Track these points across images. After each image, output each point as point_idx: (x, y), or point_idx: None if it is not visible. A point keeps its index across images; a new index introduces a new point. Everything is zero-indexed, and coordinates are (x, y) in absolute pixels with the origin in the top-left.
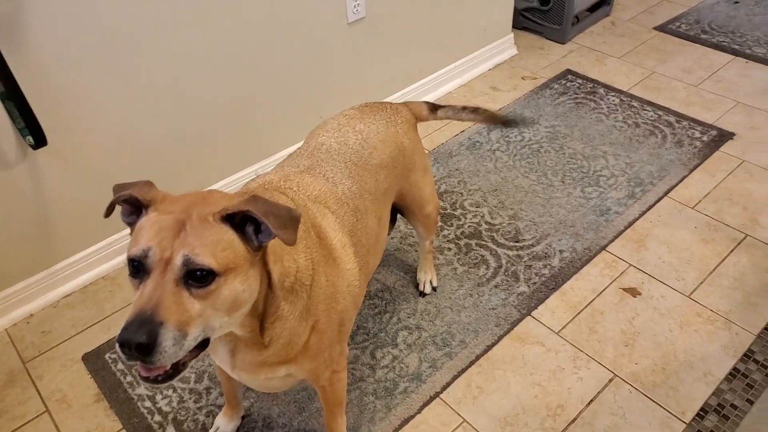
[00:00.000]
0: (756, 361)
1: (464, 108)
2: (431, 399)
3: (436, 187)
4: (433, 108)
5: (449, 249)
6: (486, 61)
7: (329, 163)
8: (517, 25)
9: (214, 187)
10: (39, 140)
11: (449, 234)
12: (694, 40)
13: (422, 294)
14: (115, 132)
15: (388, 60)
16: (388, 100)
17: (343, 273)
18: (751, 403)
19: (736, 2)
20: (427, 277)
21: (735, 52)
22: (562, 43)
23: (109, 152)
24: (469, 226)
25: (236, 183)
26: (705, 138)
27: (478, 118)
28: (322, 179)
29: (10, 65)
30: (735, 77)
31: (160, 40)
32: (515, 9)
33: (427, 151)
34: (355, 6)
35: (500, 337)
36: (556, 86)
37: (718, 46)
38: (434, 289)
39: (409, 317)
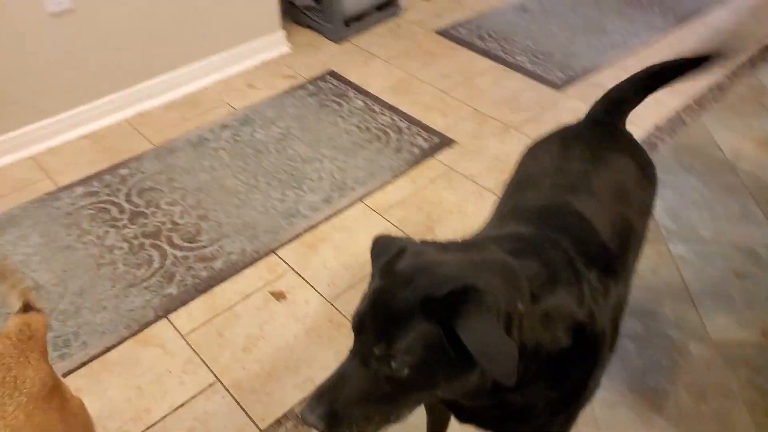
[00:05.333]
0: None
1: None
2: None
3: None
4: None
5: (120, 248)
6: (249, 58)
7: None
8: (300, 22)
9: None
10: None
11: (129, 233)
12: (467, 45)
13: None
14: None
15: (112, 52)
16: (121, 94)
17: None
18: None
19: (525, 11)
20: None
21: (497, 59)
22: (338, 42)
23: None
24: (153, 226)
25: None
26: (425, 145)
27: None
28: None
29: None
30: (486, 84)
31: None
32: (298, 7)
33: (153, 147)
34: None
35: (123, 339)
36: (311, 87)
37: (485, 52)
38: None
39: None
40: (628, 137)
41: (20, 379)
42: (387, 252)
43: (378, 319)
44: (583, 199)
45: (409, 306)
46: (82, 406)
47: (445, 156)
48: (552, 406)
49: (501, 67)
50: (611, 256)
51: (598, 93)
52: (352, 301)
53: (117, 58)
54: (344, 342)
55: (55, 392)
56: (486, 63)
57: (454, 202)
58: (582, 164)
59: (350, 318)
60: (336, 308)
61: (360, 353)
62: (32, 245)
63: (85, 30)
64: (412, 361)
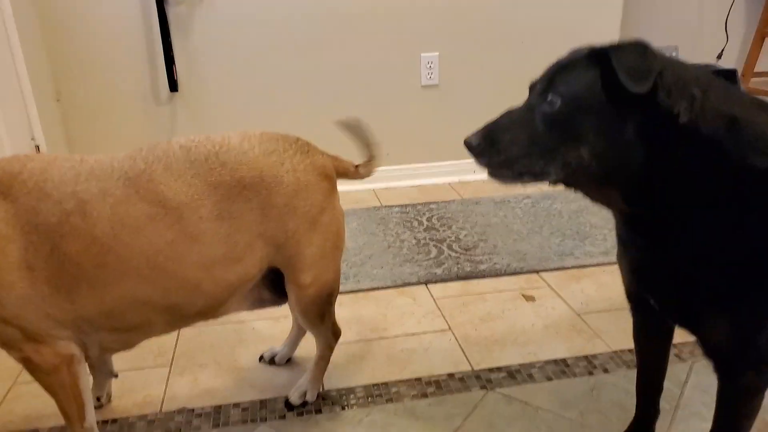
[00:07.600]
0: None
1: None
2: None
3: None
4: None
5: (410, 242)
6: None
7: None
8: None
9: None
10: (172, 87)
11: (421, 236)
12: None
13: (287, 402)
14: (235, 94)
15: (456, 127)
16: (454, 162)
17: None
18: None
19: None
20: (302, 387)
21: None
22: None
23: (226, 107)
24: (440, 236)
25: None
26: None
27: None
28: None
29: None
30: None
31: (284, 54)
32: None
33: (461, 199)
34: (428, 74)
35: (387, 287)
36: None
37: None
38: (305, 403)
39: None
40: None
41: (311, 152)
42: None
43: (549, 72)
44: None
45: (578, 58)
46: (342, 214)
47: None
48: (728, 270)
49: None
50: None
51: None
52: (603, 321)
53: (461, 130)
54: (582, 343)
55: (329, 181)
56: None
57: None
58: None
59: (594, 330)
60: (583, 319)
61: (527, 102)
62: (350, 228)
63: (442, 102)
64: (566, 93)
